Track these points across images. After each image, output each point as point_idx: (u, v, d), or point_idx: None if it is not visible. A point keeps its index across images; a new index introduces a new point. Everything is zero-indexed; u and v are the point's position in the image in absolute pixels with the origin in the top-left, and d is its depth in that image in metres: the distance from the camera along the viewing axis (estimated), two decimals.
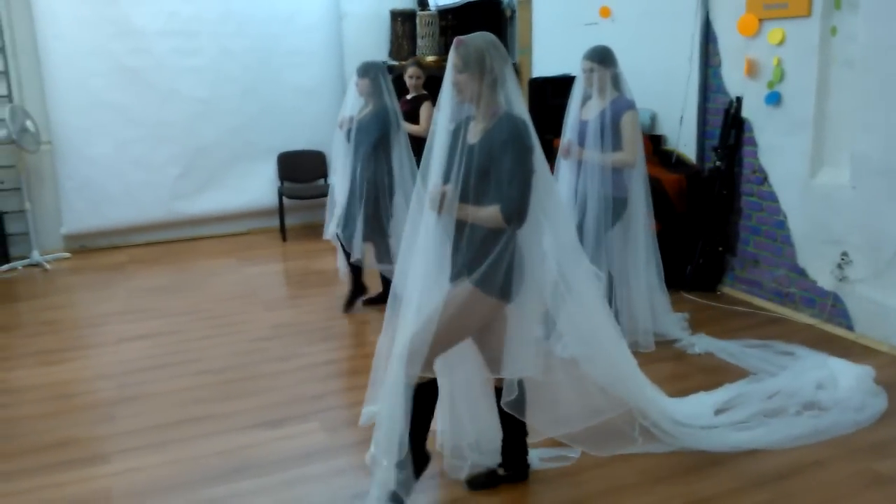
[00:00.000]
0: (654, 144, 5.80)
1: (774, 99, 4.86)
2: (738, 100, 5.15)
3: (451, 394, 3.05)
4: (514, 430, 3.05)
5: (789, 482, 3.12)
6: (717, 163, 5.27)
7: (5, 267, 6.64)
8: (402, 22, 7.80)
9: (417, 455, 2.88)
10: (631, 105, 4.29)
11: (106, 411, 3.91)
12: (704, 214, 5.33)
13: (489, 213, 2.69)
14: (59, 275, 6.57)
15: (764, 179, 5.05)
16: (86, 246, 7.25)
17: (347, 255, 5.15)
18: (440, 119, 2.77)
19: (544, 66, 7.03)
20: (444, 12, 7.70)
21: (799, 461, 3.27)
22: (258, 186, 7.71)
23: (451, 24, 7.73)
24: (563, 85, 6.30)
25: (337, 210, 5.21)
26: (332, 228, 5.27)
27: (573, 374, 3.27)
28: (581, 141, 4.34)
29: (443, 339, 2.77)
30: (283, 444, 3.51)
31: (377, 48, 7.92)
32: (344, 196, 5.15)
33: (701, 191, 5.34)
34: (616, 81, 4.33)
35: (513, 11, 7.58)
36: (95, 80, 6.94)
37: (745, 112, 5.13)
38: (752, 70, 5.00)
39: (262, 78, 7.58)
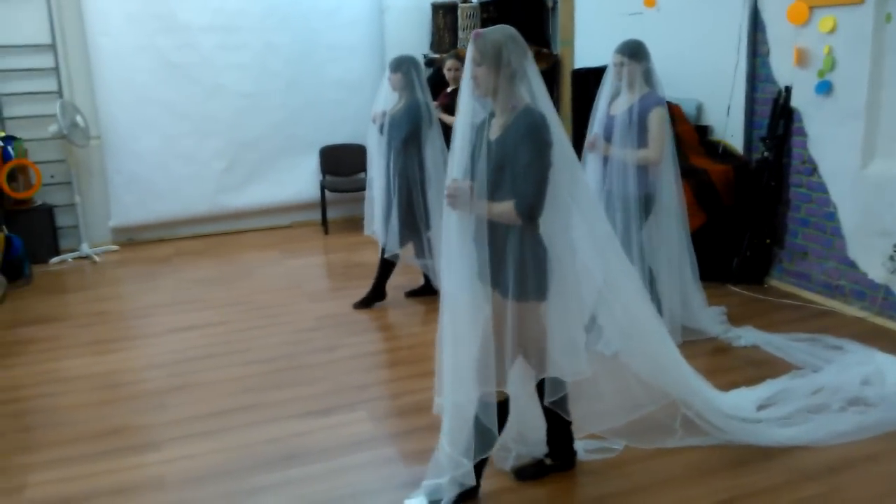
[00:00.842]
0: (701, 135, 5.73)
1: (825, 88, 4.77)
2: (787, 89, 5.06)
3: None
4: (558, 421, 3.03)
5: (841, 476, 3.08)
6: (766, 153, 5.18)
7: (56, 259, 6.79)
8: (444, 14, 7.79)
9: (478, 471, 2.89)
10: (660, 101, 4.21)
11: (157, 400, 3.98)
12: (752, 206, 5.25)
13: (504, 209, 2.65)
14: (108, 267, 6.70)
15: (813, 170, 4.96)
16: (133, 239, 7.38)
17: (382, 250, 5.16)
18: (461, 114, 2.73)
19: (587, 57, 6.97)
20: (485, 4, 7.68)
21: (851, 455, 3.22)
22: (301, 180, 7.77)
23: (493, 16, 7.70)
24: None
25: (375, 206, 5.22)
26: (371, 225, 5.29)
27: (614, 368, 3.25)
28: (608, 136, 4.28)
29: (506, 353, 2.76)
30: (331, 432, 3.55)
31: (418, 41, 7.93)
32: (381, 191, 5.17)
33: (748, 182, 5.26)
34: (647, 76, 4.25)
35: (555, 2, 7.53)
36: (143, 76, 7.05)
37: (795, 102, 5.04)
38: (802, 59, 4.91)
39: (304, 72, 7.63)
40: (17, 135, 6.71)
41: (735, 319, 4.73)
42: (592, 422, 3.29)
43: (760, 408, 3.57)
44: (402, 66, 5.04)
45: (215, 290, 5.86)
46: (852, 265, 4.77)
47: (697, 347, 4.29)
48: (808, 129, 4.97)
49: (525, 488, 3.06)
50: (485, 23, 7.68)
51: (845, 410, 3.52)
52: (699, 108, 5.85)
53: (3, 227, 6.12)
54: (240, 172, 7.50)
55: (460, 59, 6.02)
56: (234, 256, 6.84)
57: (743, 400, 3.60)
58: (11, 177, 6.48)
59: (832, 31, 4.68)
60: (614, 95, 4.35)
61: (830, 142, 4.83)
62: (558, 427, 3.06)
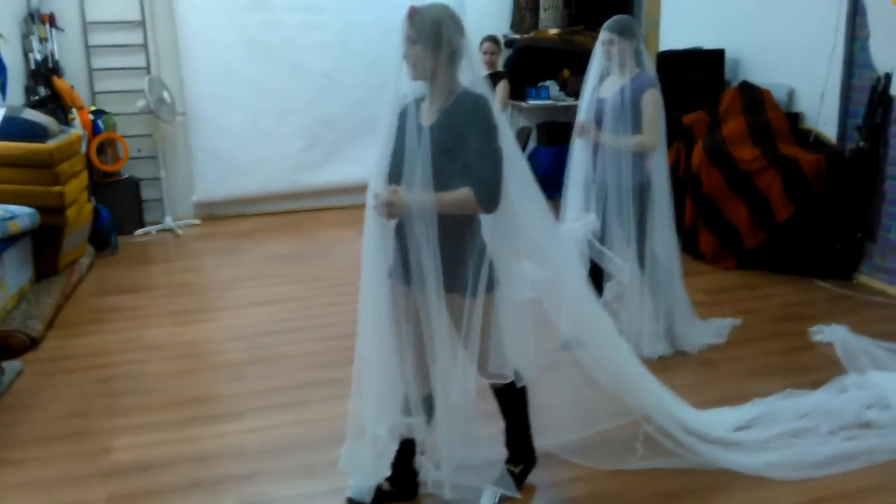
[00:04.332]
0: (791, 122, 5.54)
1: None
2: (888, 76, 4.84)
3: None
4: (516, 417, 2.85)
5: None
6: (861, 143, 4.97)
7: (140, 231, 6.99)
8: None
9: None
10: (653, 82, 3.90)
11: (238, 371, 4.06)
12: (844, 198, 5.05)
13: (459, 197, 2.42)
14: (190, 240, 6.87)
15: None
16: (214, 214, 7.54)
17: None
18: (389, 101, 2.52)
19: (674, 38, 6.81)
20: None
21: (838, 489, 2.92)
22: None
23: None
24: (693, 58, 6.16)
25: None
26: None
27: (568, 377, 3.00)
28: (598, 121, 3.98)
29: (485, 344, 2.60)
30: None
31: (499, 20, 7.88)
32: None
33: (841, 173, 5.06)
34: (638, 56, 3.94)
35: None
36: (227, 54, 7.17)
37: (895, 90, 4.81)
38: None
39: (384, 51, 7.59)
40: (107, 109, 6.92)
41: (820, 315, 4.57)
42: (542, 435, 2.98)
43: (739, 429, 3.26)
44: None
45: (294, 266, 5.94)
46: None
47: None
48: None
49: None
50: (567, 3, 7.56)
51: (835, 435, 3.19)
52: (791, 94, 5.66)
53: (92, 198, 6.31)
54: (319, 151, 7.56)
55: (496, 42, 5.90)
56: (313, 234, 6.93)
57: (720, 419, 3.31)
58: (101, 150, 6.69)
59: None
60: (602, 77, 4.02)
61: None
62: (516, 423, 2.86)
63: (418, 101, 2.57)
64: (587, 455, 3.07)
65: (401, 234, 2.55)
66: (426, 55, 2.46)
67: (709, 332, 4.29)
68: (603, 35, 3.91)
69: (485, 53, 5.82)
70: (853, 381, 3.59)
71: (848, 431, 3.23)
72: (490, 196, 2.44)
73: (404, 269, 2.57)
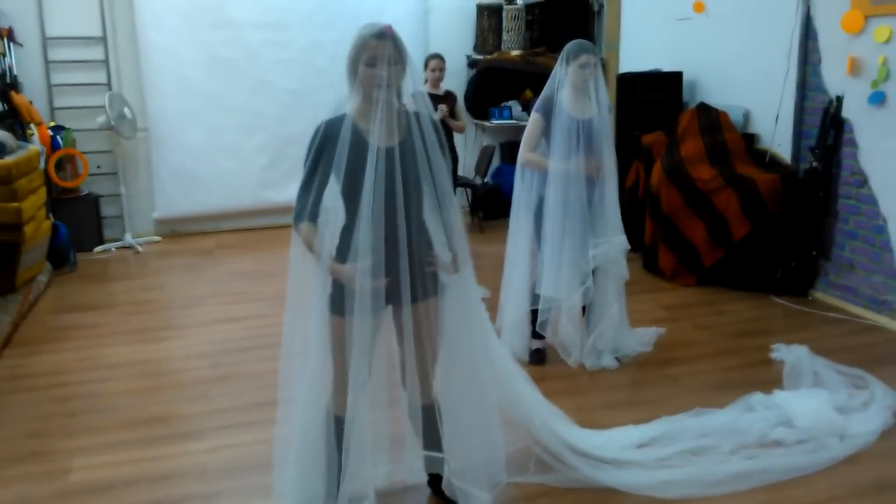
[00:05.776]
0: (748, 143, 5.67)
1: (879, 99, 4.69)
2: (839, 99, 4.99)
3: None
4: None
5: None
6: (814, 164, 5.11)
7: (100, 248, 6.90)
8: (489, 16, 7.81)
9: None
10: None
11: (200, 389, 4.02)
12: (798, 217, 5.18)
13: (459, 219, 2.60)
14: (151, 257, 6.80)
15: (864, 182, 4.88)
16: (176, 230, 7.48)
17: None
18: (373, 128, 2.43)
19: (633, 61, 6.94)
20: (530, 6, 7.68)
21: (813, 496, 2.98)
22: None
23: (538, 17, 7.71)
24: (652, 80, 6.29)
25: None
26: None
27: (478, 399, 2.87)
28: (586, 141, 3.95)
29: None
30: None
31: (462, 42, 7.96)
32: None
33: (795, 192, 5.18)
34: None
35: (601, 5, 7.50)
36: (190, 70, 7.14)
37: (846, 112, 4.96)
38: (855, 68, 4.83)
39: None
40: (67, 125, 6.85)
41: (777, 331, 4.69)
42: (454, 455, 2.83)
43: (642, 446, 3.26)
44: None
45: (257, 283, 5.91)
46: None
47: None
48: (858, 140, 4.89)
49: None
50: (529, 25, 7.68)
51: (736, 454, 3.20)
52: (746, 116, 5.80)
53: (50, 214, 6.22)
54: (283, 167, 7.55)
55: (443, 59, 5.94)
56: (276, 251, 6.88)
57: (616, 439, 3.29)
58: (59, 166, 6.61)
59: (888, 40, 4.59)
60: (559, 98, 3.98)
61: (882, 154, 4.74)
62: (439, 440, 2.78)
63: (354, 122, 2.48)
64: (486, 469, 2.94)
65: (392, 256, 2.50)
66: (400, 74, 2.45)
67: (633, 341, 4.38)
68: (584, 58, 3.91)
69: (433, 71, 5.85)
70: (759, 400, 3.63)
71: (749, 450, 3.25)
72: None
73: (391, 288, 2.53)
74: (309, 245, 2.52)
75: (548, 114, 3.99)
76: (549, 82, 4.03)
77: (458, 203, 2.64)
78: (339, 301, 2.53)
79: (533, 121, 4.05)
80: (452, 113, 5.94)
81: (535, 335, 4.22)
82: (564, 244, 4.00)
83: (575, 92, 3.96)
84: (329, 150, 2.47)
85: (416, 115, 2.52)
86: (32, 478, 3.19)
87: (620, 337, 4.27)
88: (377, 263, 2.46)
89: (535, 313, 4.14)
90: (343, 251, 2.52)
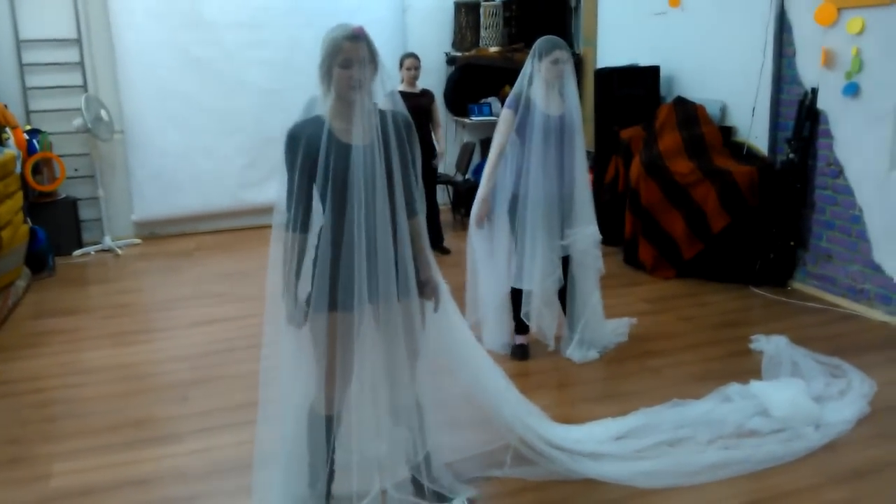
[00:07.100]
0: (725, 136, 5.70)
1: (852, 90, 4.73)
2: (814, 91, 5.02)
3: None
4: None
5: None
6: (791, 155, 5.14)
7: (79, 252, 6.85)
8: (466, 13, 7.80)
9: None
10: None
11: (179, 392, 4.00)
12: (776, 208, 5.21)
13: (423, 224, 2.63)
14: (130, 260, 6.75)
15: (839, 173, 4.92)
16: (155, 233, 7.43)
17: None
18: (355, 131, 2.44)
19: (610, 56, 6.96)
20: (508, 3, 7.69)
21: (797, 483, 3.01)
22: None
23: (516, 14, 7.71)
24: (630, 75, 6.30)
25: None
26: None
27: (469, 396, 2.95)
28: (548, 138, 3.96)
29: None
30: None
31: (441, 39, 7.95)
32: None
33: (773, 184, 5.22)
34: None
35: (578, 2, 7.52)
36: (166, 72, 7.09)
37: (821, 104, 5.00)
38: (830, 60, 4.86)
39: None
40: (43, 128, 6.78)
41: (757, 321, 4.72)
42: (445, 453, 2.92)
43: (620, 438, 3.27)
44: None
45: (237, 284, 5.88)
46: (877, 269, 4.72)
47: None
48: (834, 131, 4.93)
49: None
50: (507, 22, 7.68)
51: (713, 444, 3.23)
52: (723, 109, 5.83)
53: (28, 219, 6.17)
54: (261, 168, 7.50)
55: (419, 58, 5.95)
56: (255, 252, 6.84)
57: (598, 433, 3.30)
58: (36, 170, 6.53)
59: (860, 32, 4.63)
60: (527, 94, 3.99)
61: (857, 144, 4.78)
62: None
63: (325, 122, 2.46)
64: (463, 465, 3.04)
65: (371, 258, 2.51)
66: (372, 76, 2.44)
67: (608, 332, 4.40)
68: (557, 53, 3.89)
69: (408, 69, 5.85)
70: (736, 390, 3.65)
71: (725, 441, 3.27)
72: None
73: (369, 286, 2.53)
74: (290, 256, 2.55)
75: (518, 110, 3.98)
76: (518, 79, 4.02)
77: (424, 203, 2.64)
78: (321, 299, 2.53)
79: (504, 117, 4.04)
80: (430, 111, 5.93)
81: (518, 330, 4.23)
82: (538, 238, 4.02)
83: (547, 88, 3.96)
84: (307, 153, 2.45)
85: (389, 113, 2.51)
86: (12, 484, 3.17)
87: (597, 329, 4.29)
88: (360, 265, 2.49)
89: (516, 307, 4.14)
90: (324, 250, 2.52)
